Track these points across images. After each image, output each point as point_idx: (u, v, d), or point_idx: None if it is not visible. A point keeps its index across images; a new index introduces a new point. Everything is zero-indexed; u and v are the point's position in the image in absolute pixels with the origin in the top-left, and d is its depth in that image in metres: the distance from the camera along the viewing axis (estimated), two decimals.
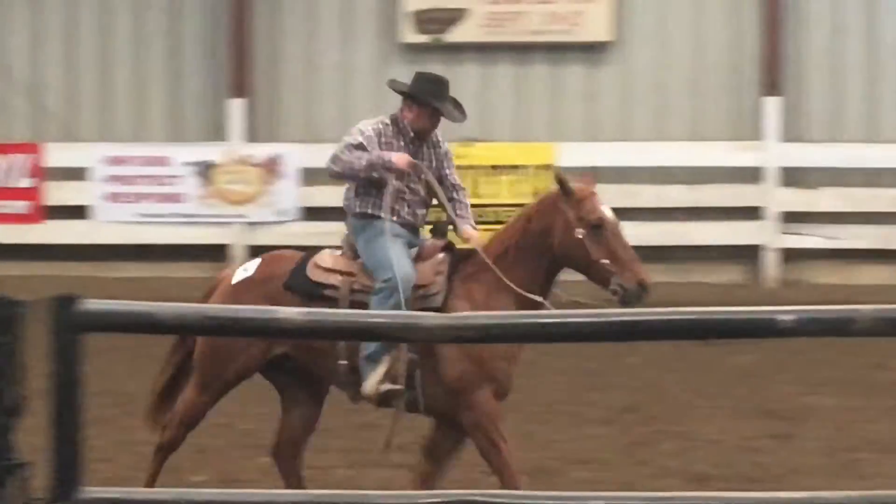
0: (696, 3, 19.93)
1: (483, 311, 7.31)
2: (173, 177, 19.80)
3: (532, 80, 20.15)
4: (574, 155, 18.71)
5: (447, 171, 8.31)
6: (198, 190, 19.79)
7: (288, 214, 19.86)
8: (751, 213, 19.71)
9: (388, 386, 7.80)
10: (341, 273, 7.92)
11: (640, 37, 19.97)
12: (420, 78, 8.49)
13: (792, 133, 19.60)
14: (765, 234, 19.52)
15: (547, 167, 18.93)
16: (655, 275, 15.59)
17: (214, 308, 4.26)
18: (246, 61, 20.18)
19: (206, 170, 19.76)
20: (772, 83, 19.43)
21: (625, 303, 7.76)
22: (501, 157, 19.67)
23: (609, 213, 7.87)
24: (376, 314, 4.42)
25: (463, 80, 18.70)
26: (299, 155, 19.74)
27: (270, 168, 19.91)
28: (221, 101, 20.10)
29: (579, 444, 10.61)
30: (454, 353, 7.72)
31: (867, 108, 19.63)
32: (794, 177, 19.61)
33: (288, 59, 20.44)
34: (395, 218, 8.06)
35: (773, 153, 19.44)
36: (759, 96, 19.66)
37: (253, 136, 19.99)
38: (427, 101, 8.18)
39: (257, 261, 8.23)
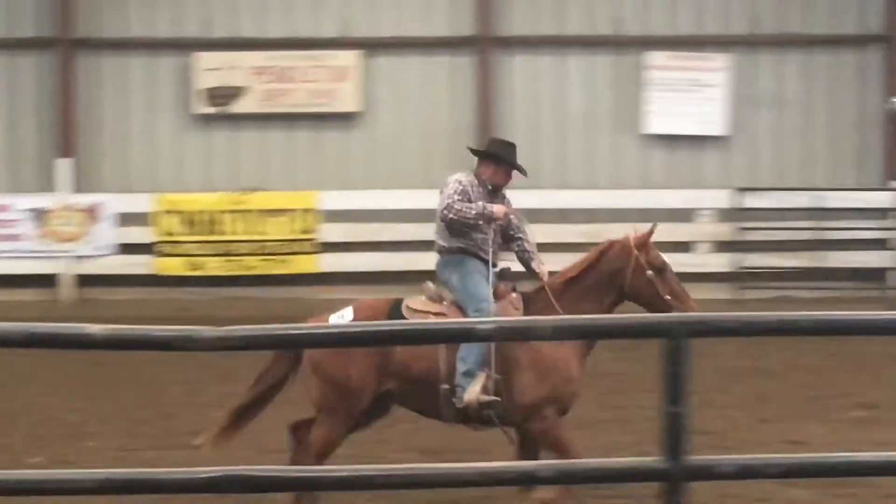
0: (425, 83, 22.59)
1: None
2: (13, 220, 22.04)
3: (298, 142, 22.60)
4: (331, 201, 21.88)
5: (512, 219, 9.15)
6: (33, 230, 21.99)
7: (106, 249, 22.04)
8: None
9: (486, 397, 8.58)
10: (433, 313, 8.65)
11: (382, 108, 22.58)
12: (495, 142, 9.71)
13: None
14: None
15: (310, 210, 22.02)
16: (391, 293, 18.37)
17: (36, 325, 4.85)
18: (71, 127, 22.27)
19: (40, 214, 22.03)
20: (485, 142, 22.18)
21: None
22: (274, 203, 22.12)
23: (666, 259, 8.93)
24: (157, 329, 4.92)
25: (243, 143, 22.54)
26: (115, 202, 22.09)
27: (92, 213, 22.02)
28: (52, 159, 22.23)
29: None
30: (531, 380, 8.58)
31: (558, 161, 22.47)
32: None
33: (104, 126, 22.57)
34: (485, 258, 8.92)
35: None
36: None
37: (77, 187, 22.23)
38: (508, 161, 9.19)
39: (350, 309, 8.82)
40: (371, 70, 22.44)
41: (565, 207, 21.84)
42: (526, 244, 9.14)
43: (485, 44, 22.15)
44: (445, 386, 8.51)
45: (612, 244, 8.92)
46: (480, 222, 8.65)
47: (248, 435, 9.21)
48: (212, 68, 22.17)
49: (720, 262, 22.20)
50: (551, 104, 22.75)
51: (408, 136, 22.63)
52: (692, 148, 22.58)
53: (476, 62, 22.30)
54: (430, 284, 8.93)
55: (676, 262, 20.32)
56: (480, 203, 8.68)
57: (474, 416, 8.65)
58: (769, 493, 8.93)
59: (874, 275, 22.29)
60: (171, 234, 22.22)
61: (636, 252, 8.70)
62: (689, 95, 22.34)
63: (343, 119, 22.67)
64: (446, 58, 22.49)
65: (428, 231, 21.18)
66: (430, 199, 20.53)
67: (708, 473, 5.28)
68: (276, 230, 22.18)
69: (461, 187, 8.84)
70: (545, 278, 8.85)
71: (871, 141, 22.35)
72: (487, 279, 8.70)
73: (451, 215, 8.62)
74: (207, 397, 12.98)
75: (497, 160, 9.05)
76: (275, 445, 9.69)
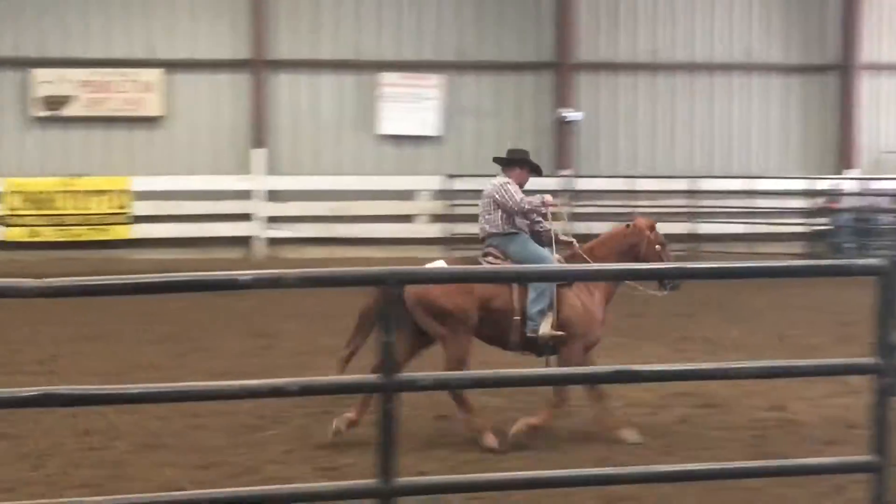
0: (212, 94, 25.34)
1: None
2: None
3: (115, 139, 25.12)
4: (141, 184, 24.52)
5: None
6: None
7: None
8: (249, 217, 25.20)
9: (557, 332, 9.56)
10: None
11: (179, 113, 25.27)
12: (515, 151, 10.57)
13: (270, 170, 25.30)
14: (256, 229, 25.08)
15: (124, 191, 24.65)
16: (190, 256, 22.26)
17: None
18: None
19: None
20: (259, 140, 25.31)
21: (673, 289, 10.00)
22: (96, 185, 24.58)
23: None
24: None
25: (72, 139, 24.93)
26: None
27: None
28: None
29: (144, 357, 12.54)
30: (575, 321, 9.64)
31: (314, 154, 25.71)
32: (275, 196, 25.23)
33: None
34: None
35: (260, 182, 25.19)
36: (250, 148, 25.45)
37: None
38: (531, 164, 10.36)
39: (441, 261, 9.72)
40: (170, 84, 25.13)
41: (319, 189, 25.23)
42: (546, 224, 10.14)
43: (257, 65, 25.26)
44: (517, 318, 9.54)
45: (634, 225, 10.27)
46: (542, 209, 10.00)
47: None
48: (46, 81, 24.74)
49: (435, 230, 25.48)
50: (308, 111, 25.77)
51: (199, 135, 25.31)
52: (414, 145, 25.98)
53: (251, 79, 25.32)
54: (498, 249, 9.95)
55: (402, 230, 25.19)
56: (537, 197, 10.03)
57: (535, 346, 9.61)
58: (472, 402, 9.40)
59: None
60: (14, 209, 24.72)
61: (648, 232, 10.20)
62: (412, 105, 25.78)
63: (149, 122, 25.18)
64: (228, 75, 25.39)
65: (216, 207, 25.30)
66: (217, 182, 25.18)
67: (412, 386, 5.84)
68: (98, 206, 24.64)
69: (517, 188, 10.05)
70: (576, 246, 10.03)
71: (546, 141, 26.36)
72: (543, 247, 9.92)
73: (526, 206, 9.83)
74: (45, 336, 14.19)
75: (522, 164, 10.32)
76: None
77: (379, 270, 5.48)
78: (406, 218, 25.73)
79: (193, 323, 15.07)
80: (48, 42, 25.11)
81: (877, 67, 27.81)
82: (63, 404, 5.32)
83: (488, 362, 11.18)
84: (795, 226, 26.45)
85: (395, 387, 5.46)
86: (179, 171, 24.99)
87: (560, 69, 26.41)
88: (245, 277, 5.29)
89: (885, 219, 25.58)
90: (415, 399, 8.70)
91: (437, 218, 25.77)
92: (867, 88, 27.68)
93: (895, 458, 5.56)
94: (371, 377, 5.87)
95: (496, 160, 10.58)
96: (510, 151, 10.66)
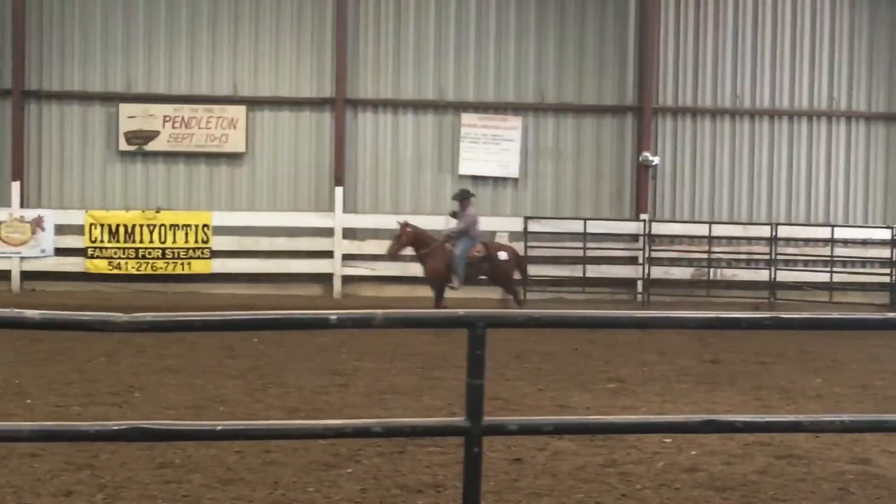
0: (294, 132, 25.53)
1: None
2: None
3: (197, 174, 25.44)
4: (222, 219, 24.72)
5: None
6: None
7: (47, 252, 24.64)
8: (327, 254, 25.17)
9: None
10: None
11: (261, 150, 25.58)
12: (463, 189, 21.46)
13: (349, 207, 25.51)
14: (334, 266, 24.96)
15: (205, 226, 24.77)
16: (266, 291, 22.50)
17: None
18: (17, 157, 25.19)
19: None
20: (339, 177, 25.28)
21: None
22: (177, 219, 24.88)
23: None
24: (84, 314, 5.00)
25: (155, 174, 25.20)
26: (54, 216, 24.61)
27: (36, 224, 24.58)
28: (7, 182, 25.13)
29: (221, 390, 12.25)
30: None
31: (393, 193, 25.71)
32: (353, 234, 25.41)
33: (46, 155, 25.33)
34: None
35: (340, 219, 25.38)
36: (330, 186, 25.49)
37: (25, 204, 25.00)
38: (471, 196, 20.99)
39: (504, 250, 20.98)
40: (254, 121, 25.44)
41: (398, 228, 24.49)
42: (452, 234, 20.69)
43: (340, 104, 25.45)
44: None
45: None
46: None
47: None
48: (132, 116, 24.98)
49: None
50: (389, 150, 26.03)
51: (280, 172, 25.56)
52: (494, 186, 26.05)
53: (333, 117, 25.57)
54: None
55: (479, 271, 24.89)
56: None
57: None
58: (544, 444, 9.52)
59: (627, 283, 26.15)
60: (97, 241, 24.82)
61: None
62: (492, 146, 25.82)
63: (232, 158, 25.53)
64: (311, 113, 25.62)
65: (295, 243, 25.82)
66: (297, 219, 25.47)
67: (499, 430, 5.73)
68: (179, 240, 24.87)
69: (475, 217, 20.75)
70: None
71: (626, 184, 26.33)
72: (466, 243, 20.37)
73: (468, 228, 20.55)
74: (123, 366, 13.97)
75: (469, 197, 20.95)
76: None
77: (467, 313, 5.43)
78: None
79: (271, 358, 14.99)
80: (135, 78, 25.40)
81: None
82: (151, 439, 5.35)
83: (570, 406, 11.31)
84: (878, 276, 25.95)
85: (483, 431, 5.40)
86: (260, 207, 25.16)
87: (641, 113, 26.31)
88: (335, 317, 5.33)
89: None
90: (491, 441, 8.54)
91: None
92: None
93: None
94: (457, 420, 5.70)
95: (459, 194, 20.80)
96: (460, 190, 21.49)
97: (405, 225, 21.08)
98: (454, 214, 20.82)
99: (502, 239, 25.58)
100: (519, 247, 25.39)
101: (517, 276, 21.62)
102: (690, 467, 9.30)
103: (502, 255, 21.25)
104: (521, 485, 8.59)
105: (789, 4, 27.26)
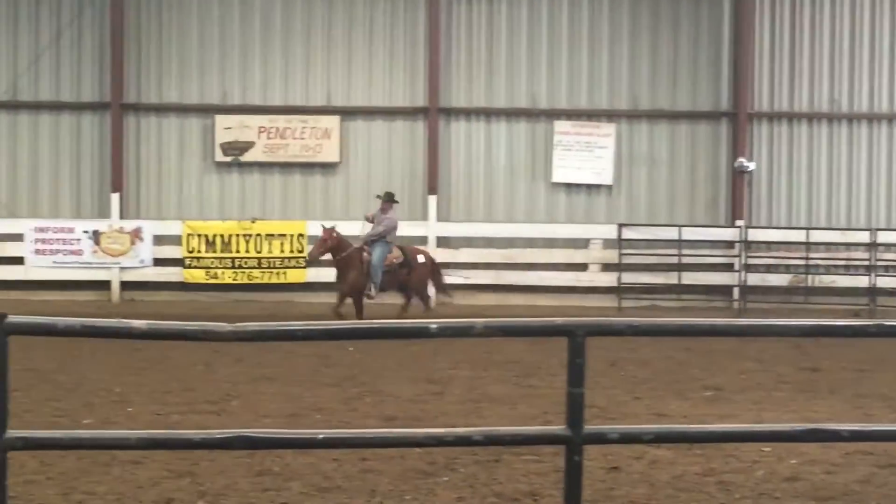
0: (388, 141, 25.78)
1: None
2: (76, 239, 24.91)
3: (292, 184, 25.76)
4: (316, 228, 23.54)
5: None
6: (91, 247, 24.89)
7: (146, 262, 25.13)
8: None
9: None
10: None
11: (355, 160, 25.83)
12: (389, 192, 21.24)
13: (442, 216, 25.57)
14: None
15: (300, 235, 25.01)
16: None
17: (93, 320, 5.05)
18: (117, 169, 25.52)
19: (96, 235, 24.93)
20: (430, 187, 25.34)
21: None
22: (273, 229, 25.17)
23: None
24: (188, 325, 5.11)
25: (250, 184, 25.60)
26: (152, 227, 25.09)
27: (135, 235, 25.08)
28: (107, 194, 25.54)
29: (318, 399, 12.34)
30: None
31: (486, 201, 25.84)
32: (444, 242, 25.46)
33: (145, 167, 25.87)
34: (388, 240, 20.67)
35: (434, 228, 25.54)
36: (423, 194, 25.70)
37: (124, 215, 25.46)
38: (395, 203, 21.12)
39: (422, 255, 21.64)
40: (348, 131, 25.73)
41: (491, 236, 25.59)
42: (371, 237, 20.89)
43: (433, 113, 25.64)
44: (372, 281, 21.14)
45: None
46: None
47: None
48: (228, 127, 25.45)
49: (606, 279, 25.51)
50: (482, 159, 26.17)
51: (374, 181, 25.62)
52: (587, 193, 26.01)
53: (426, 126, 25.76)
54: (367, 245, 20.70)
55: (574, 278, 25.00)
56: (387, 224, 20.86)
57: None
58: (641, 452, 9.45)
59: (723, 290, 26.06)
60: (194, 251, 25.27)
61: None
62: (585, 154, 25.84)
63: (326, 167, 25.93)
64: (404, 122, 25.84)
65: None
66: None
67: (599, 439, 5.79)
68: (274, 250, 25.26)
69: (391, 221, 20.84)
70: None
71: (721, 191, 26.17)
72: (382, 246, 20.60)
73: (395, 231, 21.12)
74: (220, 375, 14.12)
75: (391, 200, 21.11)
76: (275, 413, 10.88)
77: (566, 321, 5.44)
78: (577, 266, 25.57)
79: (367, 366, 15.13)
80: (231, 90, 25.78)
81: None
82: (254, 447, 5.51)
83: (667, 414, 11.22)
84: None
85: (583, 439, 5.41)
86: (355, 217, 24.97)
87: (736, 118, 26.09)
88: (435, 326, 5.40)
89: None
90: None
91: (609, 267, 25.58)
92: None
93: None
94: (558, 428, 5.67)
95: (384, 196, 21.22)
96: (386, 193, 21.71)
97: (331, 230, 21.28)
98: (370, 219, 21.07)
99: (596, 247, 25.68)
100: (614, 254, 25.45)
101: (431, 280, 21.88)
102: (791, 476, 9.16)
103: (420, 259, 21.47)
104: (618, 493, 8.55)
105: (888, 5, 26.75)
